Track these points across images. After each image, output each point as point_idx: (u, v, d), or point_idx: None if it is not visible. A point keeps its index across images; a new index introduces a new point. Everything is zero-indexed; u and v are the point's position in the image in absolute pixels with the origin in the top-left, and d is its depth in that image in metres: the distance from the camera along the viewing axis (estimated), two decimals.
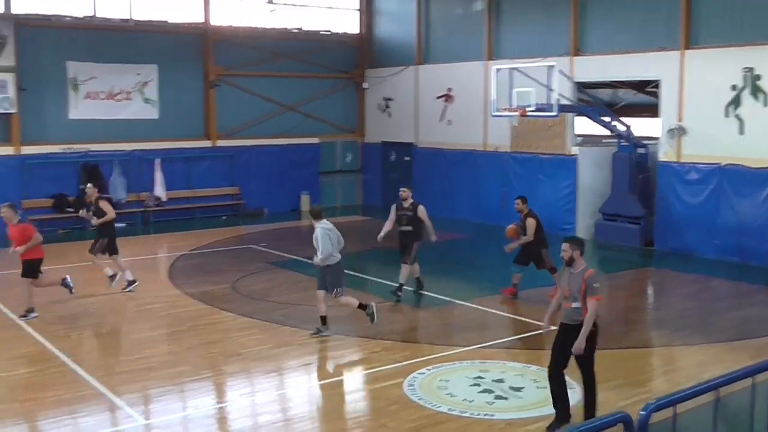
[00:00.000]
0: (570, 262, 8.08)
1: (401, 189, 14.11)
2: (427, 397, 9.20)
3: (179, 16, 24.12)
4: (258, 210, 24.61)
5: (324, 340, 11.71)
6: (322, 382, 10.49)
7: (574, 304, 7.97)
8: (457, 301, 13.75)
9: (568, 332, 8.03)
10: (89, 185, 15.47)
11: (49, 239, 20.74)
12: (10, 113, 21.55)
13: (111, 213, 14.88)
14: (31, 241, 12.78)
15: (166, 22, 23.84)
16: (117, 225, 15.72)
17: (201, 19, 24.35)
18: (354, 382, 10.43)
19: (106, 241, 14.80)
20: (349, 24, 27.20)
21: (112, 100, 23.21)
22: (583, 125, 21.22)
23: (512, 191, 21.92)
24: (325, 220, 11.72)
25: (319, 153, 26.62)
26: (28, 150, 21.87)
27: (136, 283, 14.79)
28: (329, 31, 26.82)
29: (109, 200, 16.77)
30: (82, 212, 16.12)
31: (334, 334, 11.91)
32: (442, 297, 13.99)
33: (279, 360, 10.98)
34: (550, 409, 8.39)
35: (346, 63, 27.25)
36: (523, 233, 13.77)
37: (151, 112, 23.83)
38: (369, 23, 27.24)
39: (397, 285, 13.80)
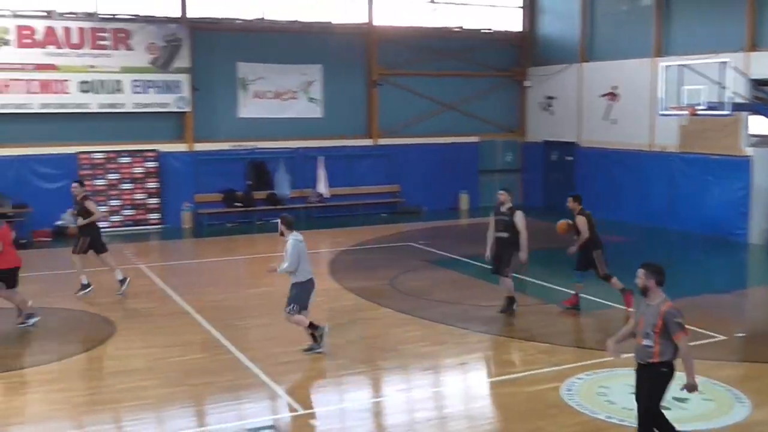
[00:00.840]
0: (644, 292, 7.14)
1: (499, 192, 13.22)
2: (586, 403, 8.97)
3: (343, 17, 24.64)
4: (417, 208, 24.79)
5: (480, 341, 11.65)
6: (478, 381, 10.44)
7: (645, 342, 7.06)
8: (618, 306, 13.32)
9: (641, 372, 7.21)
10: (75, 184, 14.99)
11: (218, 232, 21.92)
12: (185, 112, 22.74)
13: (97, 213, 14.55)
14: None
15: (331, 23, 24.42)
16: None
17: (365, 20, 24.77)
18: (510, 383, 10.30)
19: (88, 240, 14.39)
20: (511, 21, 26.92)
21: (278, 99, 24.04)
22: (759, 124, 20.06)
23: (679, 193, 21.09)
24: (296, 232, 10.98)
25: (479, 152, 26.51)
26: (200, 147, 23.00)
27: (127, 282, 14.52)
28: (490, 29, 26.66)
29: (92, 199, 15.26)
30: (69, 213, 15.61)
31: (492, 334, 11.84)
32: (602, 301, 13.59)
33: (435, 357, 11.01)
34: (716, 423, 7.96)
35: (507, 61, 27.00)
36: (576, 234, 13.10)
37: (315, 111, 24.49)
38: (532, 20, 26.86)
39: (506, 300, 12.95)
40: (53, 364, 10.66)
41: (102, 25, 21.70)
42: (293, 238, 10.85)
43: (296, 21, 23.91)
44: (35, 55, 21.03)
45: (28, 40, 20.96)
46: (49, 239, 20.75)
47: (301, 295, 10.84)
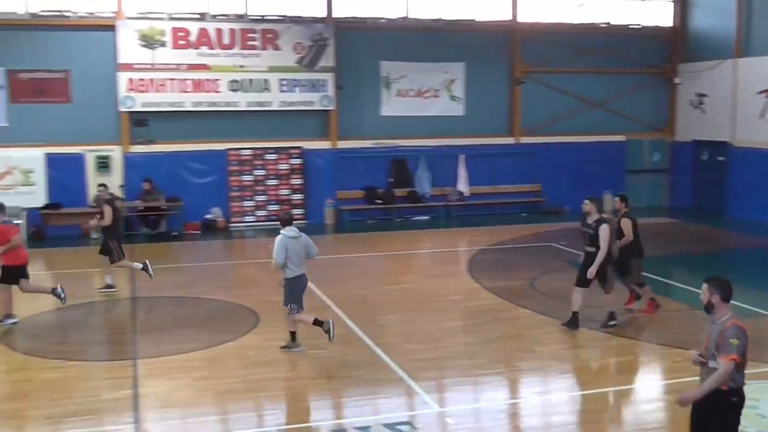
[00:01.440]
0: (708, 308, 6.43)
1: (584, 201, 11.99)
2: None
3: (487, 15, 24.46)
4: (558, 208, 24.29)
5: (622, 345, 11.30)
6: (618, 387, 10.11)
7: (711, 364, 6.33)
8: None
9: (706, 400, 6.36)
10: (100, 187, 15.58)
11: (359, 228, 22.23)
12: (329, 110, 23.19)
13: (107, 219, 14.52)
14: (9, 243, 12.43)
15: (474, 20, 24.30)
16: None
17: (508, 17, 24.50)
18: (651, 390, 9.93)
19: (116, 243, 14.60)
20: (661, 16, 25.96)
21: (420, 97, 24.14)
22: None
23: None
24: (289, 228, 10.95)
25: (625, 151, 25.73)
26: (343, 144, 23.39)
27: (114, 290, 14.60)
28: (639, 24, 25.81)
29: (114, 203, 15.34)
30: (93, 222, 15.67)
31: (635, 339, 11.47)
32: (754, 309, 12.89)
33: (574, 360, 10.76)
34: None
35: (656, 57, 26.06)
36: (618, 236, 12.27)
37: (457, 109, 24.44)
38: (683, 14, 25.81)
39: (607, 314, 11.99)
40: (200, 351, 11.09)
41: (251, 26, 22.42)
42: (283, 233, 10.85)
43: (439, 19, 23.94)
44: (189, 56, 21.97)
45: (183, 42, 21.91)
46: (198, 232, 21.66)
47: (293, 292, 10.86)
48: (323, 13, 23.02)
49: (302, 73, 22.80)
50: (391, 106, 23.93)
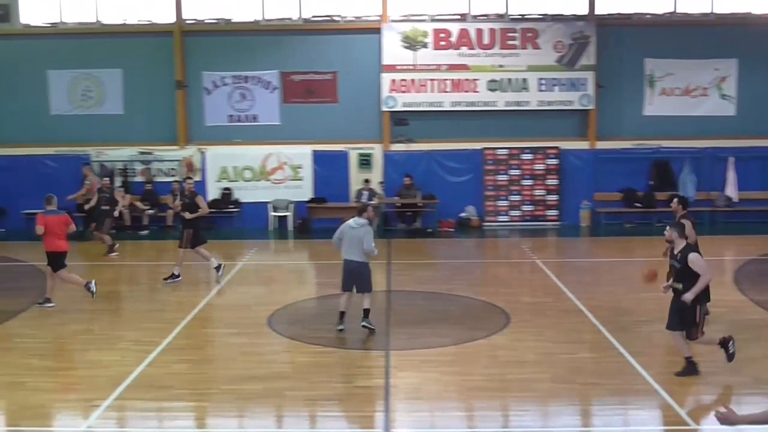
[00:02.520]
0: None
1: (666, 228, 10.06)
2: None
3: (764, 7, 22.70)
4: None
5: None
6: None
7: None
8: None
9: None
10: (188, 180, 16.27)
11: (616, 232, 21.51)
12: (588, 109, 22.63)
13: (205, 209, 15.63)
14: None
15: (749, 14, 22.65)
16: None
17: None
18: None
19: (191, 233, 15.35)
20: None
21: (687, 96, 22.92)
22: None
23: None
24: (356, 218, 11.87)
25: None
26: (602, 145, 22.74)
27: (221, 269, 15.62)
28: None
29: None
30: (176, 203, 16.45)
31: None
32: None
33: None
34: None
35: None
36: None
37: (728, 109, 22.93)
38: None
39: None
40: (450, 347, 11.23)
41: (511, 25, 22.41)
42: (349, 221, 11.96)
43: (711, 13, 22.57)
44: (449, 56, 22.38)
45: (444, 43, 22.36)
46: (452, 230, 22.00)
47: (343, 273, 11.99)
48: (585, 11, 22.51)
49: (562, 72, 22.45)
50: (655, 106, 22.92)
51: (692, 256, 9.49)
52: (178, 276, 15.55)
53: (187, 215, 15.47)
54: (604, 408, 9.08)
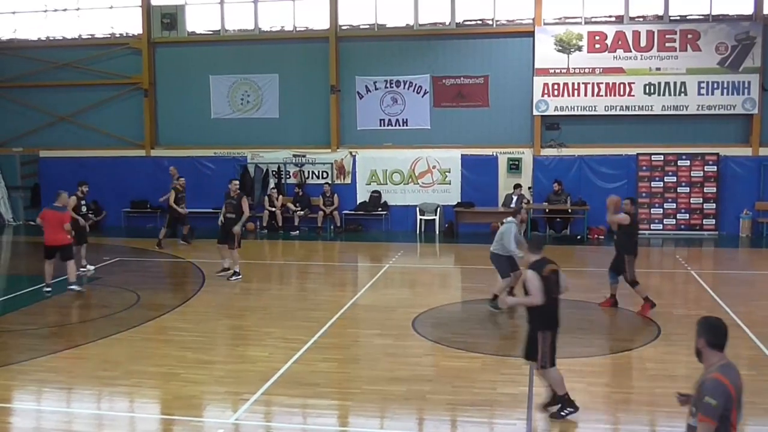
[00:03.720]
0: (698, 356, 5.42)
1: None
2: None
3: None
4: None
5: None
6: None
7: (691, 421, 5.32)
8: None
9: None
10: (234, 182, 16.67)
11: None
12: (751, 114, 21.49)
13: (247, 211, 16.15)
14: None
15: None
16: None
17: None
18: None
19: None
20: None
21: None
22: None
23: None
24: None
25: None
26: (766, 151, 21.54)
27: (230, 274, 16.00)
28: None
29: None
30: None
31: None
32: None
33: None
34: None
35: None
36: None
37: None
38: None
39: None
40: (598, 357, 10.93)
41: (670, 27, 21.60)
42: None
43: None
44: (604, 60, 21.82)
45: (599, 46, 21.82)
46: (603, 237, 21.39)
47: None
48: (750, 10, 21.39)
49: (723, 75, 21.44)
50: None
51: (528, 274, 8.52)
52: (239, 274, 16.21)
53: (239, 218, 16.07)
54: (759, 429, 8.56)
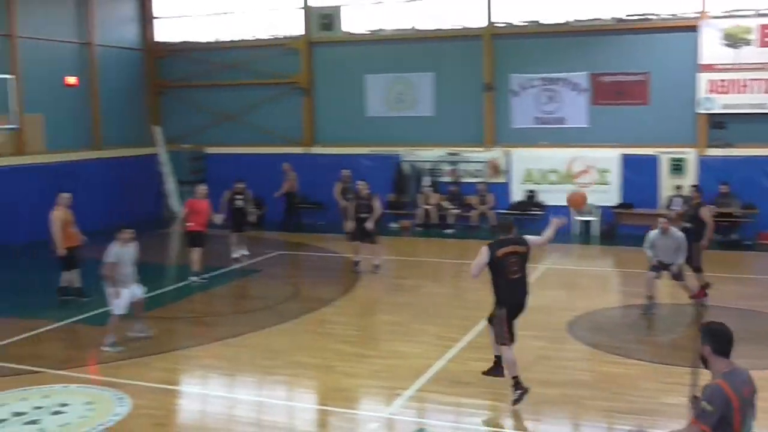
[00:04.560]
0: (704, 363, 5.35)
1: None
2: None
3: None
4: None
5: None
6: None
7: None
8: None
9: None
10: (363, 182, 17.12)
11: None
12: None
13: (379, 209, 16.84)
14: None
15: None
16: None
17: None
18: None
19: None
20: None
21: None
22: None
23: None
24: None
25: None
26: None
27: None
28: None
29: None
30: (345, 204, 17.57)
31: None
32: None
33: None
34: None
35: None
36: None
37: None
38: None
39: None
40: (766, 371, 10.35)
41: None
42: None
43: None
44: None
45: None
46: None
47: None
48: None
49: None
50: None
51: None
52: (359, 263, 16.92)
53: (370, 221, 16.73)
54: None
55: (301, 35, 25.20)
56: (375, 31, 24.69)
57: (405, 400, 9.33)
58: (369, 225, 16.58)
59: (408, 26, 24.31)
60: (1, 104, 18.54)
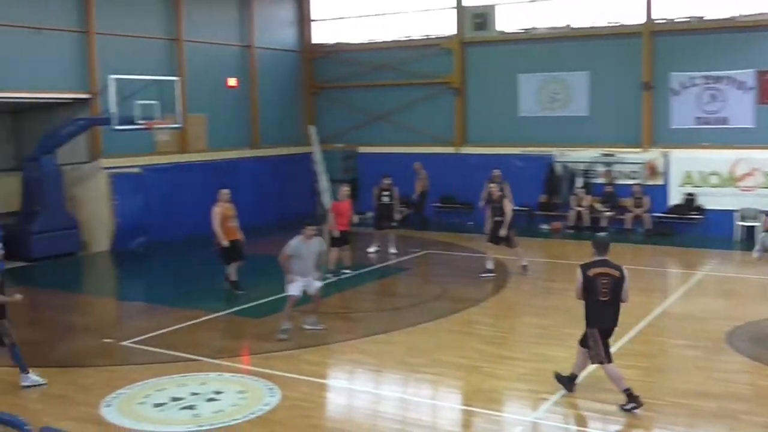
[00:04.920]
0: None
1: None
2: None
3: None
4: None
5: None
6: None
7: None
8: None
9: None
10: (493, 184, 17.29)
11: None
12: None
13: (510, 212, 16.43)
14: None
15: None
16: None
17: None
18: None
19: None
20: None
21: None
22: None
23: None
24: None
25: None
26: None
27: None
28: None
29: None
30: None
31: None
32: None
33: None
34: None
35: None
36: None
37: None
38: None
39: None
40: None
41: None
42: None
43: None
44: None
45: None
46: None
47: None
48: None
49: None
50: None
51: None
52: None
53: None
54: None
55: (454, 35, 25.21)
56: (528, 29, 24.37)
57: (551, 404, 9.16)
58: (502, 232, 16.40)
59: (563, 24, 23.86)
60: (168, 105, 19.50)
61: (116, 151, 21.11)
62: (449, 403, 9.64)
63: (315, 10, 27.71)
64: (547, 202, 23.40)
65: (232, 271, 15.05)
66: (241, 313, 13.77)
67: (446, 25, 25.53)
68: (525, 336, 12.47)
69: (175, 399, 9.49)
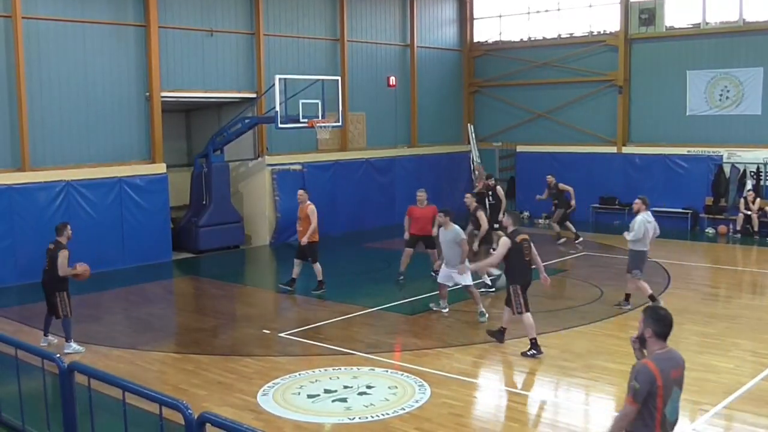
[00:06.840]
0: (641, 343, 5.59)
1: None
2: None
3: None
4: None
5: None
6: None
7: None
8: None
9: None
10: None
11: None
12: None
13: (484, 225, 15.64)
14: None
15: None
16: None
17: None
18: None
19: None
20: None
21: None
22: None
23: None
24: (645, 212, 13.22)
25: None
26: None
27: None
28: None
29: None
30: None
31: None
32: None
33: None
34: None
35: None
36: None
37: None
38: None
39: None
40: None
41: None
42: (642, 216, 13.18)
43: None
44: None
45: None
46: None
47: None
48: None
49: None
50: None
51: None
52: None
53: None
54: None
55: (619, 31, 24.50)
56: (699, 24, 23.32)
57: (710, 416, 8.76)
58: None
59: (735, 18, 22.68)
60: (330, 103, 19.96)
61: (280, 149, 21.88)
62: (602, 409, 9.40)
63: (477, 8, 27.67)
64: (712, 205, 22.36)
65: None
66: (393, 310, 13.96)
67: (610, 21, 24.86)
68: (686, 344, 11.93)
69: (327, 391, 9.74)
